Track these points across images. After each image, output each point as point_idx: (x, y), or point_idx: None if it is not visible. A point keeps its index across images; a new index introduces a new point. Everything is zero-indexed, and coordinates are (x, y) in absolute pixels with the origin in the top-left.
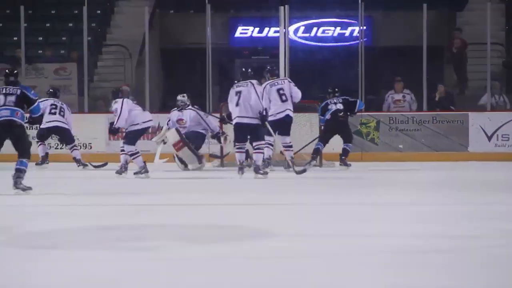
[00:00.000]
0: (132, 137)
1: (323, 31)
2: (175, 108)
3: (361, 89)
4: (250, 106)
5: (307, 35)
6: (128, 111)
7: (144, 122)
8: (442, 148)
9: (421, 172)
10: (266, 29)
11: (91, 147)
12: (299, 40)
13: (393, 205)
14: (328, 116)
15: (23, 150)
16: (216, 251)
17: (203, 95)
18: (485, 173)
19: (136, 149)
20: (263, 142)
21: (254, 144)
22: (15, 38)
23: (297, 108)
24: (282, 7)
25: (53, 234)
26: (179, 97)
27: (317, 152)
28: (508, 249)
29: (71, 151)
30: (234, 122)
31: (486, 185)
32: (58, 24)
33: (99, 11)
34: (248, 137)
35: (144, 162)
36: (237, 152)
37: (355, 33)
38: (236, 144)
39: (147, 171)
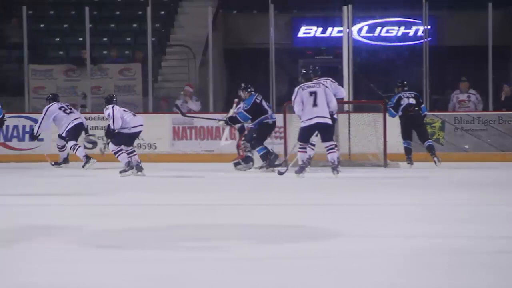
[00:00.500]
0: (119, 138)
1: (387, 31)
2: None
3: (425, 89)
4: (328, 106)
5: (370, 34)
6: (120, 116)
7: (133, 127)
8: (508, 148)
9: (486, 172)
10: (330, 29)
11: (155, 147)
12: (363, 40)
13: (459, 205)
14: (400, 112)
15: None
16: (282, 251)
17: (266, 95)
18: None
19: (130, 149)
20: (333, 142)
21: (326, 144)
22: (81, 39)
23: (361, 108)
24: (345, 7)
25: (121, 234)
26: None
27: (409, 152)
28: None
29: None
30: (313, 122)
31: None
32: (123, 25)
33: (163, 12)
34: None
35: (129, 160)
36: (300, 152)
37: (419, 33)
38: (301, 144)
39: (132, 168)
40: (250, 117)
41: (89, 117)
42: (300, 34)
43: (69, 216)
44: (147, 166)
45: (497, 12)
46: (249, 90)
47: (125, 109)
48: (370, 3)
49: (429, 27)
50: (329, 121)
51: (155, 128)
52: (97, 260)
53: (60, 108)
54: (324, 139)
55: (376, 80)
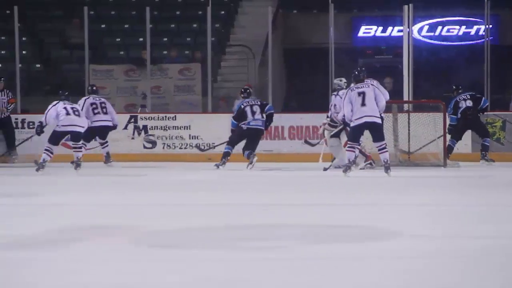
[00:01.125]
0: (51, 134)
1: (448, 30)
2: (334, 92)
3: (486, 88)
4: (377, 106)
5: (431, 34)
6: (57, 113)
7: (63, 126)
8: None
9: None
10: (390, 28)
11: (214, 147)
12: (423, 39)
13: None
14: (459, 115)
15: None
16: (336, 251)
17: (325, 95)
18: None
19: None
20: (384, 142)
21: (377, 144)
22: (141, 39)
23: (421, 107)
24: (406, 6)
25: (175, 234)
26: (335, 81)
27: (450, 150)
28: None
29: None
30: (362, 121)
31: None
32: (183, 25)
33: (223, 12)
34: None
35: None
36: (349, 151)
37: (481, 32)
38: (350, 143)
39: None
40: (236, 122)
41: (148, 117)
42: (360, 33)
43: (124, 215)
44: (205, 165)
45: None
46: (242, 95)
47: (74, 107)
48: (430, 2)
49: (490, 26)
50: (378, 120)
51: (214, 128)
52: (154, 260)
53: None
54: (374, 139)
55: (437, 79)
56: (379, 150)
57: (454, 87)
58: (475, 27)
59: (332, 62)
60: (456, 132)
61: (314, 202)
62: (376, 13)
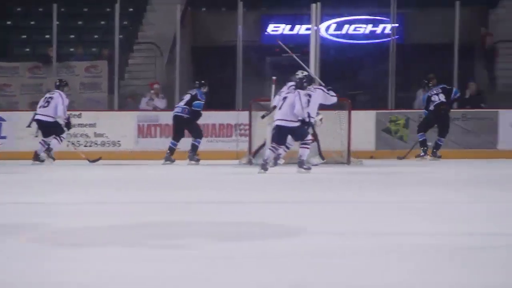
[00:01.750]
0: None
1: (355, 29)
2: (291, 84)
3: (391, 86)
4: (292, 112)
5: (338, 32)
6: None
7: None
8: (471, 145)
9: (451, 169)
10: (298, 26)
11: (120, 145)
12: (330, 37)
13: (421, 203)
14: (431, 107)
15: None
16: (242, 249)
17: (233, 92)
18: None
19: None
20: (308, 139)
21: (300, 142)
22: (48, 36)
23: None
24: (314, 5)
25: (81, 232)
26: (305, 72)
27: (425, 144)
28: None
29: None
30: (275, 124)
31: (485, 182)
32: (91, 22)
33: (131, 9)
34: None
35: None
36: (269, 149)
37: (387, 30)
38: (273, 143)
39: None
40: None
41: None
42: (268, 31)
43: (23, 214)
44: (110, 163)
45: (464, 10)
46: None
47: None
48: (338, 1)
49: (396, 24)
50: (288, 124)
51: (119, 125)
52: (60, 259)
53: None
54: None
55: (344, 77)
56: (300, 145)
57: (425, 81)
58: (381, 25)
59: (240, 60)
60: (424, 125)
61: (225, 200)
62: (285, 11)
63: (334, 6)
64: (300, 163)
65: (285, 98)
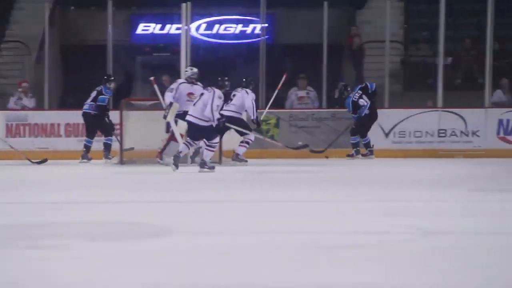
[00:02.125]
0: None
1: (225, 28)
2: (183, 81)
3: (262, 86)
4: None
5: (209, 32)
6: None
7: None
8: (341, 145)
9: (323, 168)
10: (168, 26)
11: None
12: (201, 37)
13: (296, 201)
14: (366, 111)
15: None
16: (115, 249)
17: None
18: (384, 169)
19: None
20: (214, 142)
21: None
22: None
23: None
24: (184, 4)
25: None
26: (194, 69)
27: (367, 146)
28: (414, 244)
29: None
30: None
31: (388, 181)
32: None
33: None
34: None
35: None
36: (184, 144)
37: (257, 30)
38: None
39: None
40: None
41: None
42: (139, 31)
43: None
44: None
45: (332, 11)
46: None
47: None
48: (208, 0)
49: (266, 24)
50: (196, 121)
51: None
52: None
53: None
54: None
55: (214, 77)
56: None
57: (343, 87)
58: (251, 25)
59: (110, 59)
60: (361, 129)
61: (98, 200)
62: (155, 11)
63: (204, 6)
64: (202, 164)
65: (202, 94)
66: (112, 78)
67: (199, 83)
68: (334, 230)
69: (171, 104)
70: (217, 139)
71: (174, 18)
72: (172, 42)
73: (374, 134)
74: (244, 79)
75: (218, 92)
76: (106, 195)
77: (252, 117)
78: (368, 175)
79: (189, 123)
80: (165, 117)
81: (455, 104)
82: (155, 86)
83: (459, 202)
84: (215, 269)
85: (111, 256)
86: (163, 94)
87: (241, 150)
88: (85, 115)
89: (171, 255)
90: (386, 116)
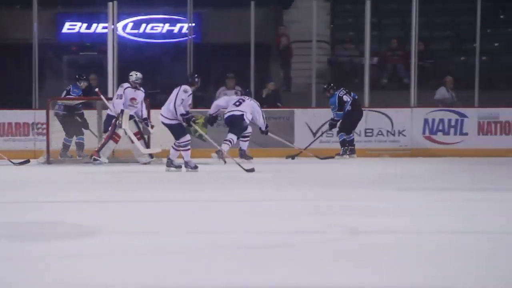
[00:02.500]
0: None
1: (152, 28)
2: (128, 85)
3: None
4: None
5: (136, 31)
6: None
7: None
8: (269, 144)
9: (263, 167)
10: (95, 25)
11: None
12: (128, 36)
13: (224, 201)
14: (349, 107)
15: None
16: (37, 249)
17: (29, 91)
18: (313, 169)
19: None
20: (183, 141)
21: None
22: None
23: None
24: (110, 3)
25: None
26: (139, 74)
27: (350, 143)
28: (343, 243)
29: None
30: None
31: (315, 181)
32: None
33: None
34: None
35: None
36: (172, 147)
37: (184, 30)
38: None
39: None
40: None
41: None
42: (65, 30)
43: None
44: None
45: (259, 10)
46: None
47: None
48: None
49: (193, 24)
50: (165, 120)
51: None
52: None
53: None
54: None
55: (143, 76)
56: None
57: (330, 85)
58: (179, 25)
59: (36, 58)
60: (349, 125)
61: (22, 200)
62: (81, 10)
63: (131, 5)
64: (168, 162)
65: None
66: (84, 77)
67: (141, 88)
68: (256, 230)
69: (122, 111)
70: (186, 137)
71: (100, 17)
72: (99, 41)
73: (302, 134)
74: (247, 90)
75: (184, 87)
76: (26, 196)
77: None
78: (297, 174)
79: (162, 123)
80: (120, 125)
81: (381, 104)
82: (102, 97)
83: (386, 202)
84: (139, 270)
85: (42, 257)
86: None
87: (225, 148)
88: (57, 115)
89: (99, 255)
90: (313, 116)
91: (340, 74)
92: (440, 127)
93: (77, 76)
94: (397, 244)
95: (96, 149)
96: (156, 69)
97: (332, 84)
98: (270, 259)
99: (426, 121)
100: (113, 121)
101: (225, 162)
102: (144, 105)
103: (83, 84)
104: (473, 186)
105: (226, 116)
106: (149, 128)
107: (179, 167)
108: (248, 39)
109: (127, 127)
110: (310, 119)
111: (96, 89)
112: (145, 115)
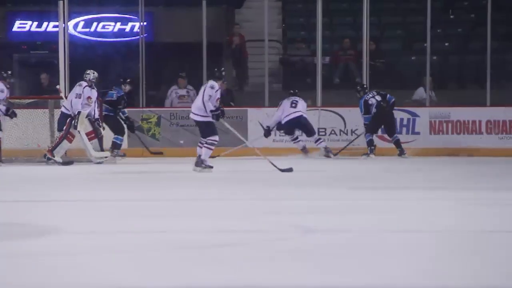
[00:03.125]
0: None
1: (103, 26)
2: (86, 84)
3: (142, 84)
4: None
5: (87, 30)
6: None
7: None
8: (222, 143)
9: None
10: (45, 23)
11: None
12: (79, 35)
13: (180, 200)
14: (374, 110)
15: None
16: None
17: None
18: (266, 168)
19: None
20: (211, 138)
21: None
22: None
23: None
24: (61, 2)
25: None
26: (95, 73)
27: (372, 143)
28: (297, 242)
29: None
30: None
31: (268, 180)
32: None
33: None
34: None
35: None
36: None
37: (136, 29)
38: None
39: None
40: None
41: None
42: (15, 28)
43: None
44: None
45: (210, 10)
46: None
47: None
48: None
49: (145, 23)
50: (195, 117)
51: None
52: None
53: None
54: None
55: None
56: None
57: (359, 87)
58: (130, 24)
59: None
60: (372, 127)
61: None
62: (32, 8)
63: (82, 4)
64: (198, 162)
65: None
66: (129, 80)
67: (95, 88)
68: (210, 229)
69: (79, 113)
70: (215, 137)
71: (51, 15)
72: (50, 40)
73: (255, 133)
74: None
75: (211, 83)
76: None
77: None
78: (251, 173)
79: (193, 120)
80: (75, 127)
81: (334, 103)
82: (62, 94)
83: (339, 201)
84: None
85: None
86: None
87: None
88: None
89: (42, 256)
90: (266, 115)
91: (293, 73)
92: None
93: (121, 80)
94: (348, 243)
95: (49, 148)
96: (108, 68)
97: (359, 88)
98: (225, 258)
99: None
100: (68, 120)
101: (333, 155)
102: (97, 104)
103: (127, 88)
104: (425, 185)
105: (286, 120)
106: (101, 129)
107: (210, 167)
108: (200, 38)
109: (82, 130)
110: (263, 118)
111: (58, 87)
112: (97, 115)
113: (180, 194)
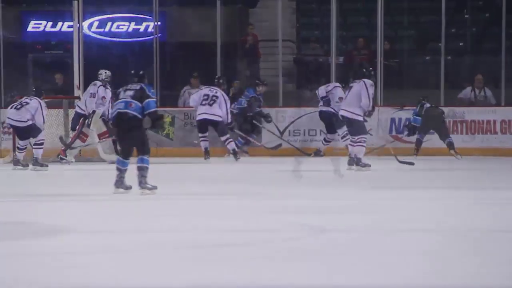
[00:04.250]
0: None
1: (118, 26)
2: (100, 83)
3: (156, 84)
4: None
5: (101, 30)
6: None
7: None
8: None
9: (217, 165)
10: (60, 23)
11: None
12: (94, 35)
13: (188, 200)
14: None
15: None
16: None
17: None
18: (280, 168)
19: None
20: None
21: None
22: None
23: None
24: (75, 2)
25: None
26: (108, 72)
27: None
28: (303, 242)
29: None
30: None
31: (281, 180)
32: None
33: None
34: None
35: None
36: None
37: (150, 29)
38: None
39: None
40: None
41: None
42: (30, 28)
43: None
44: None
45: (225, 9)
46: None
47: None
48: None
49: (159, 23)
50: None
51: None
52: None
53: None
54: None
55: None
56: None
57: (422, 99)
58: (144, 23)
59: (1, 57)
60: (422, 128)
61: None
62: (46, 8)
63: (96, 4)
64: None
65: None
66: (264, 81)
67: (109, 87)
68: (218, 228)
69: (94, 112)
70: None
71: (65, 15)
72: (64, 40)
73: (269, 133)
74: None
75: (368, 81)
76: None
77: None
78: (262, 173)
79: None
80: (88, 125)
81: None
82: (79, 92)
83: (352, 201)
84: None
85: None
86: None
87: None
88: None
89: (38, 255)
90: (281, 115)
91: (306, 73)
92: None
93: (257, 81)
94: (356, 243)
95: (63, 148)
96: (121, 68)
97: (422, 104)
98: (231, 257)
99: (393, 120)
100: (81, 120)
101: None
102: (111, 104)
103: (262, 89)
104: (440, 185)
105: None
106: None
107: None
108: (214, 37)
109: (94, 129)
110: (277, 118)
111: (77, 85)
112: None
113: (188, 193)
